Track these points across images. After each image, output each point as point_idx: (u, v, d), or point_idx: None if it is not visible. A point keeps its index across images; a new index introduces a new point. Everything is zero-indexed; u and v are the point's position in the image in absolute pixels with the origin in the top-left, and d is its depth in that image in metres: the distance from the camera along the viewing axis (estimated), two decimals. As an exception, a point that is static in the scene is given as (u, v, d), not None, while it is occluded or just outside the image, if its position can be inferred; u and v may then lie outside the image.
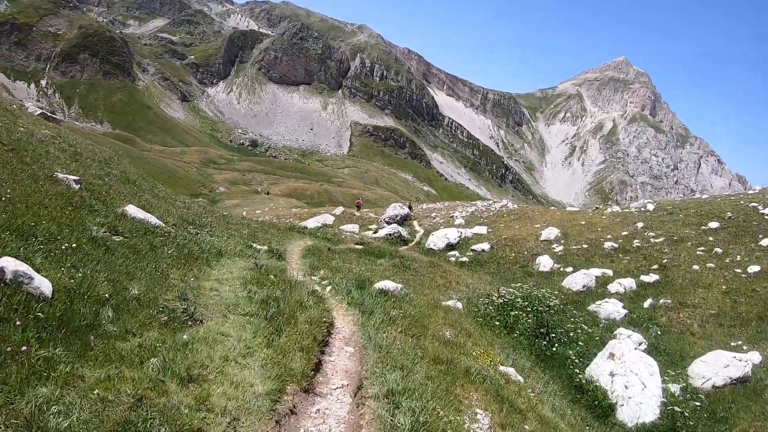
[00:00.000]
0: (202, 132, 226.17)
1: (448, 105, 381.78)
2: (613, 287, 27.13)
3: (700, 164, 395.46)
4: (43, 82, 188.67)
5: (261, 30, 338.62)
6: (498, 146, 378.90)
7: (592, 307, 24.21)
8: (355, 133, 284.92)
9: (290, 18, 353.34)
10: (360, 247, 26.85)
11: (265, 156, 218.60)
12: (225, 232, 16.12)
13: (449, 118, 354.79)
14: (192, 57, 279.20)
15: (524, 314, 18.98)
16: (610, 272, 29.18)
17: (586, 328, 19.40)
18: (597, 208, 54.37)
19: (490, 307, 19.16)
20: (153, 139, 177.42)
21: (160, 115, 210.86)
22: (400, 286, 13.52)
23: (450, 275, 23.47)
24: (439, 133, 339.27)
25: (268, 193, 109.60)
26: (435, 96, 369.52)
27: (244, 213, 75.90)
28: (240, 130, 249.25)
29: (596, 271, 28.83)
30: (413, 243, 39.54)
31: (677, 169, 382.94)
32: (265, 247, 16.07)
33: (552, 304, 21.62)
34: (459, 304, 16.81)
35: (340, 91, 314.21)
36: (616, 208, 46.01)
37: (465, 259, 33.59)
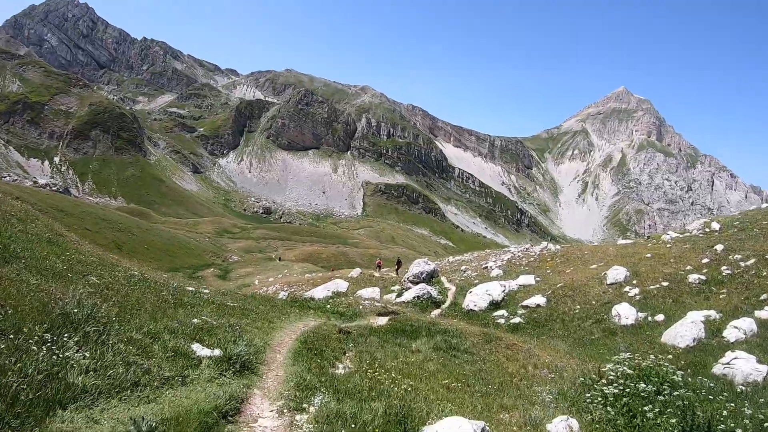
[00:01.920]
0: (215, 202, 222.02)
1: (457, 156, 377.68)
2: (730, 334, 19.41)
3: (713, 182, 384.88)
4: (57, 159, 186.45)
5: (267, 99, 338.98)
6: (510, 191, 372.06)
7: (718, 369, 16.54)
8: (368, 192, 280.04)
9: (294, 85, 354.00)
10: (384, 321, 19.44)
11: (279, 222, 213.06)
12: (150, 324, 8.91)
13: (459, 168, 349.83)
14: (201, 129, 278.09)
15: (659, 409, 11.57)
16: (713, 314, 21.48)
17: (747, 411, 11.91)
18: (648, 236, 46.79)
19: (605, 408, 11.69)
20: (167, 211, 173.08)
21: (172, 187, 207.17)
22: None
23: (517, 352, 16.07)
24: (451, 185, 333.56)
25: (280, 259, 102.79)
26: (443, 149, 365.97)
27: (256, 282, 69.08)
28: (253, 199, 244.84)
29: (697, 315, 21.19)
30: (447, 305, 31.81)
31: (691, 189, 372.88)
32: (218, 352, 8.77)
33: (678, 379, 14.25)
34: (573, 423, 9.36)
35: (349, 153, 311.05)
36: (674, 234, 38.37)
37: (518, 320, 25.97)
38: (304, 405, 7.53)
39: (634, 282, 27.57)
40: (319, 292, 30.86)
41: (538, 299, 27.85)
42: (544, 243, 48.37)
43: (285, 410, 7.34)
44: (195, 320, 10.78)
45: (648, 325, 22.32)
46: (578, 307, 26.18)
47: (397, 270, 48.69)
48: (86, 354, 6.50)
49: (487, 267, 40.82)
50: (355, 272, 47.35)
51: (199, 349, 8.57)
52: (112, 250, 66.51)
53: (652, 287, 26.39)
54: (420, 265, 39.35)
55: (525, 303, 27.99)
